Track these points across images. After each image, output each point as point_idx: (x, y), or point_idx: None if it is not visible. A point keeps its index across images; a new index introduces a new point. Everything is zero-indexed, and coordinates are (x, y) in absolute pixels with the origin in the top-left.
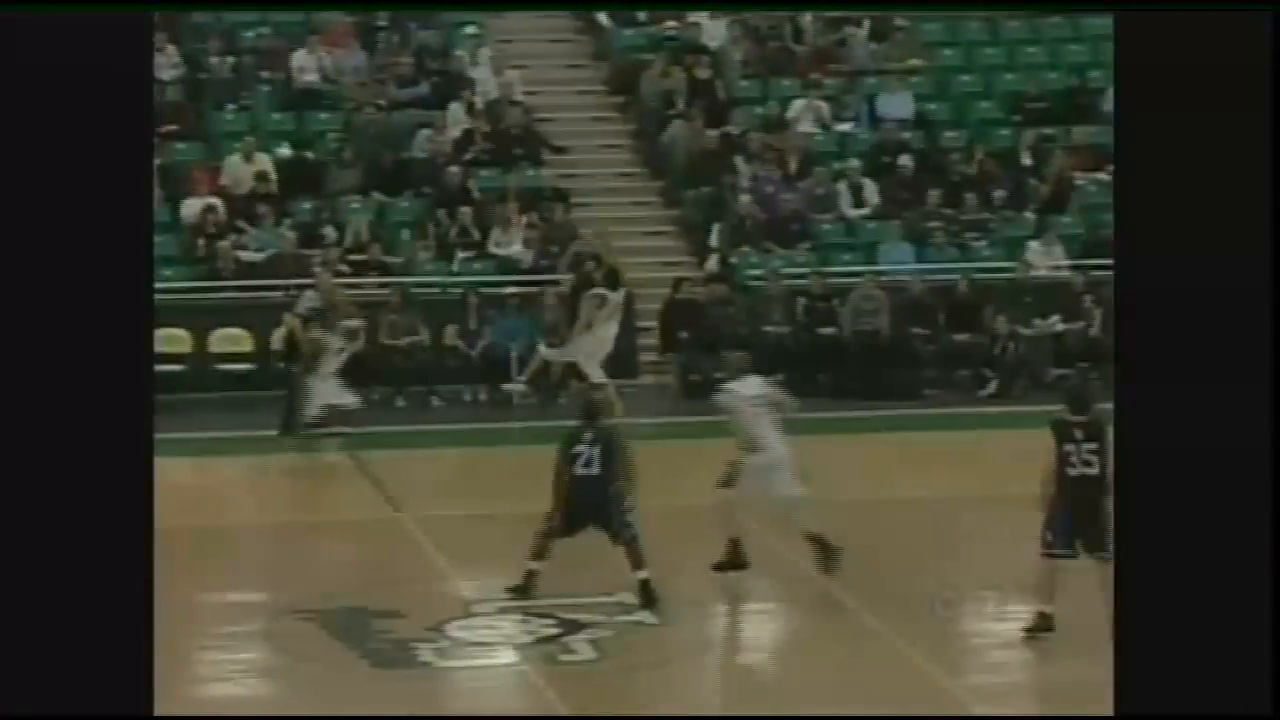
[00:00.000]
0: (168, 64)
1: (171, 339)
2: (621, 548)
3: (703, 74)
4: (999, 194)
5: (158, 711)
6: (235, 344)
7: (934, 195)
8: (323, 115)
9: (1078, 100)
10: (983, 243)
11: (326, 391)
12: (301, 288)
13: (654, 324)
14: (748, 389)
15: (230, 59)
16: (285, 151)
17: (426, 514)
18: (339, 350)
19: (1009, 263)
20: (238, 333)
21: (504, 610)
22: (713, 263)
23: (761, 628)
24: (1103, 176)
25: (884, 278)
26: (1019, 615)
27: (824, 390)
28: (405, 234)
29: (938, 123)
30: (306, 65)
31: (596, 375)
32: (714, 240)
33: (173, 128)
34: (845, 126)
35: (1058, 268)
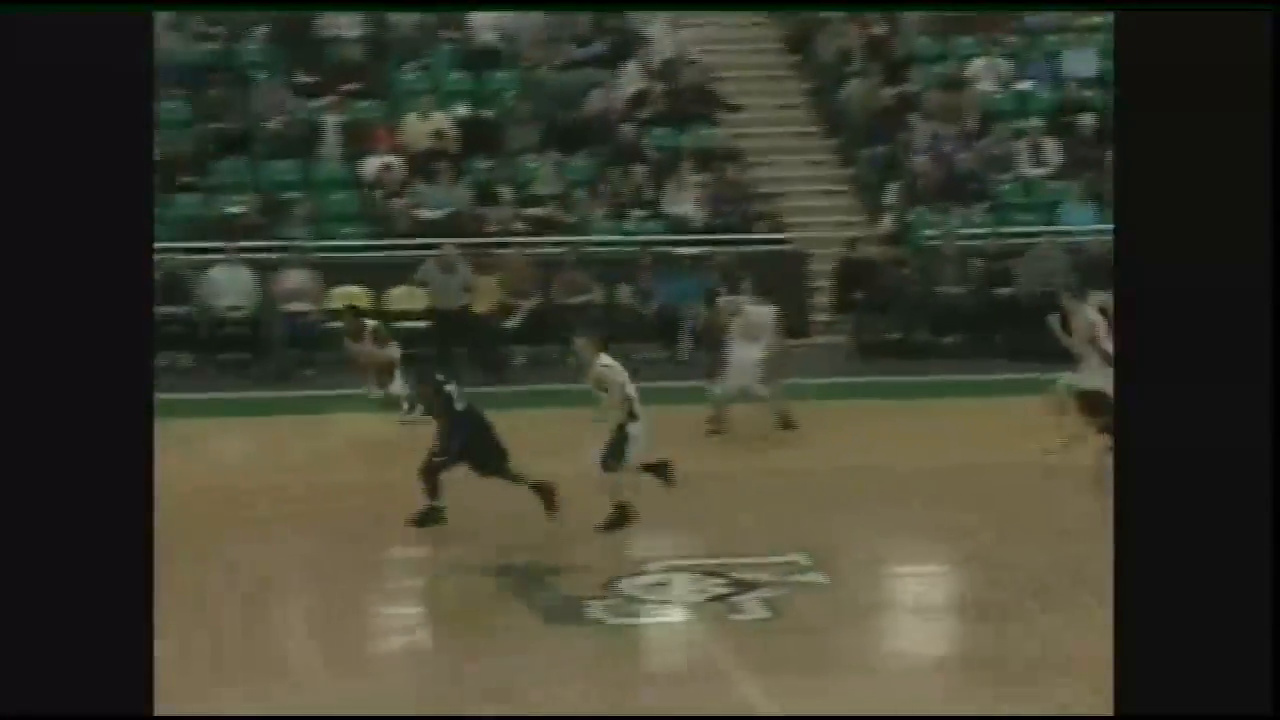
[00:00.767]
0: (351, 22)
1: (348, 296)
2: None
3: (879, 31)
4: None
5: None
6: (411, 301)
7: None
8: (500, 74)
9: None
10: None
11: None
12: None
13: (828, 283)
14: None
15: (412, 18)
16: (463, 110)
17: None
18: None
19: None
20: (414, 290)
21: (675, 569)
22: (888, 222)
23: (933, 590)
24: None
25: (1064, 238)
26: None
27: (1001, 351)
28: (580, 192)
29: None
30: (485, 24)
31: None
32: (889, 199)
33: (354, 85)
34: (1026, 85)
35: None
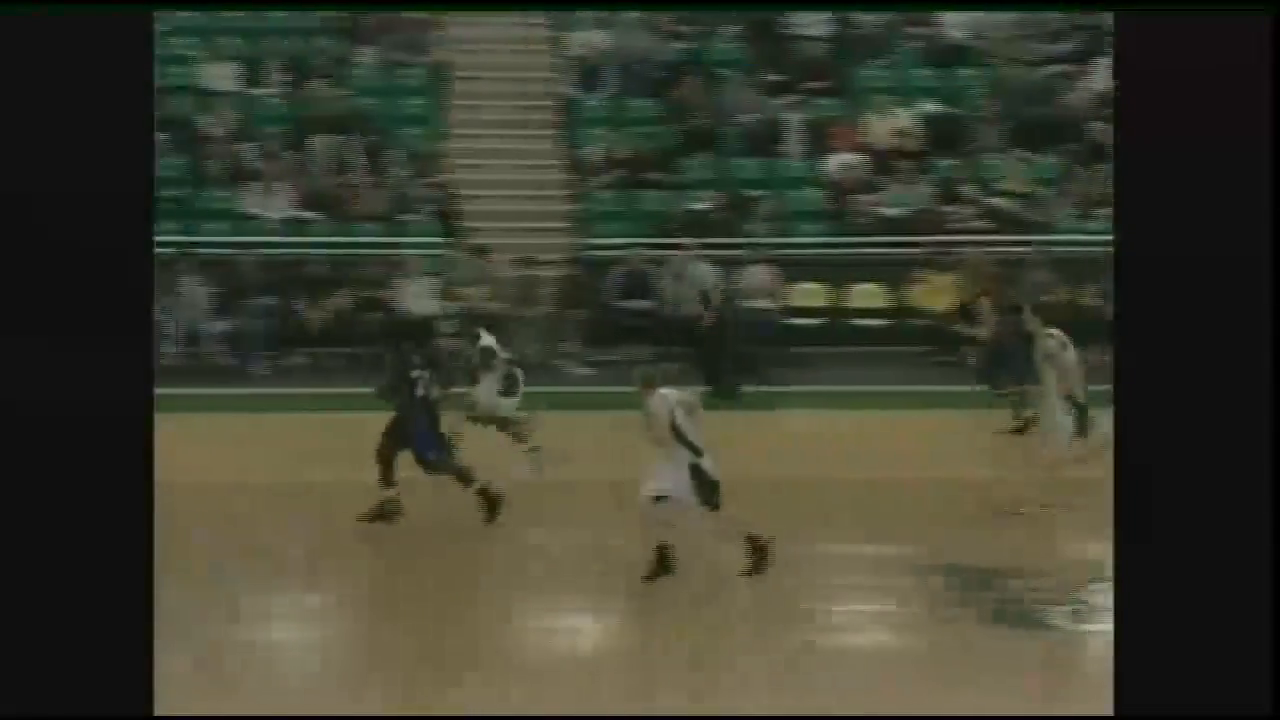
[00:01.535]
0: (817, 21)
1: (808, 293)
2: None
3: None
4: None
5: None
6: (872, 299)
7: None
8: (968, 71)
9: None
10: None
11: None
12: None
13: None
14: (675, 396)
15: (878, 16)
16: (930, 108)
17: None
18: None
19: None
20: (874, 288)
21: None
22: None
23: None
24: None
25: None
26: None
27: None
28: (1047, 191)
29: None
30: (955, 22)
31: None
32: None
33: (818, 84)
34: None
35: None
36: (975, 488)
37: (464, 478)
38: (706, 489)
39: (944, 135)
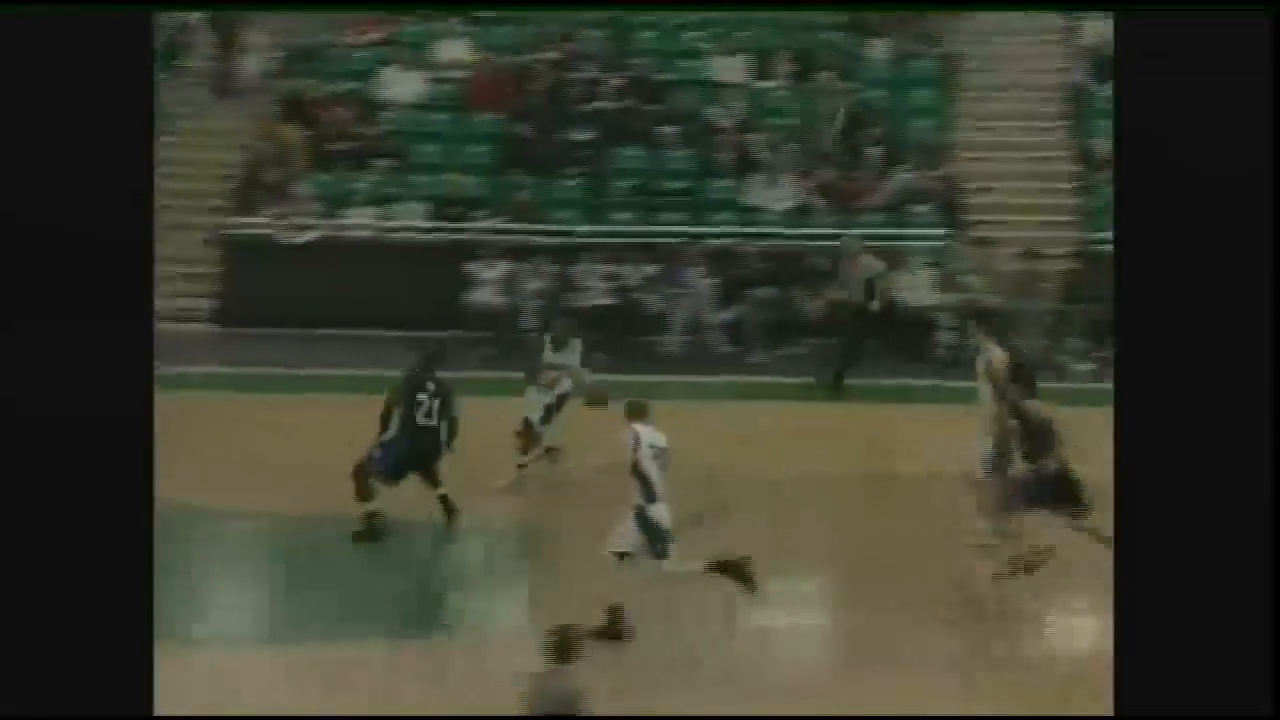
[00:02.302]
0: None
1: None
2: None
3: None
4: None
5: None
6: None
7: None
8: None
9: None
10: None
11: None
12: None
13: None
14: (651, 437)
15: None
16: None
17: None
18: None
19: None
20: None
21: None
22: None
23: None
24: None
25: None
26: None
27: None
28: None
29: None
30: None
31: None
32: None
33: None
34: None
35: None
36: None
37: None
38: (654, 536)
39: None
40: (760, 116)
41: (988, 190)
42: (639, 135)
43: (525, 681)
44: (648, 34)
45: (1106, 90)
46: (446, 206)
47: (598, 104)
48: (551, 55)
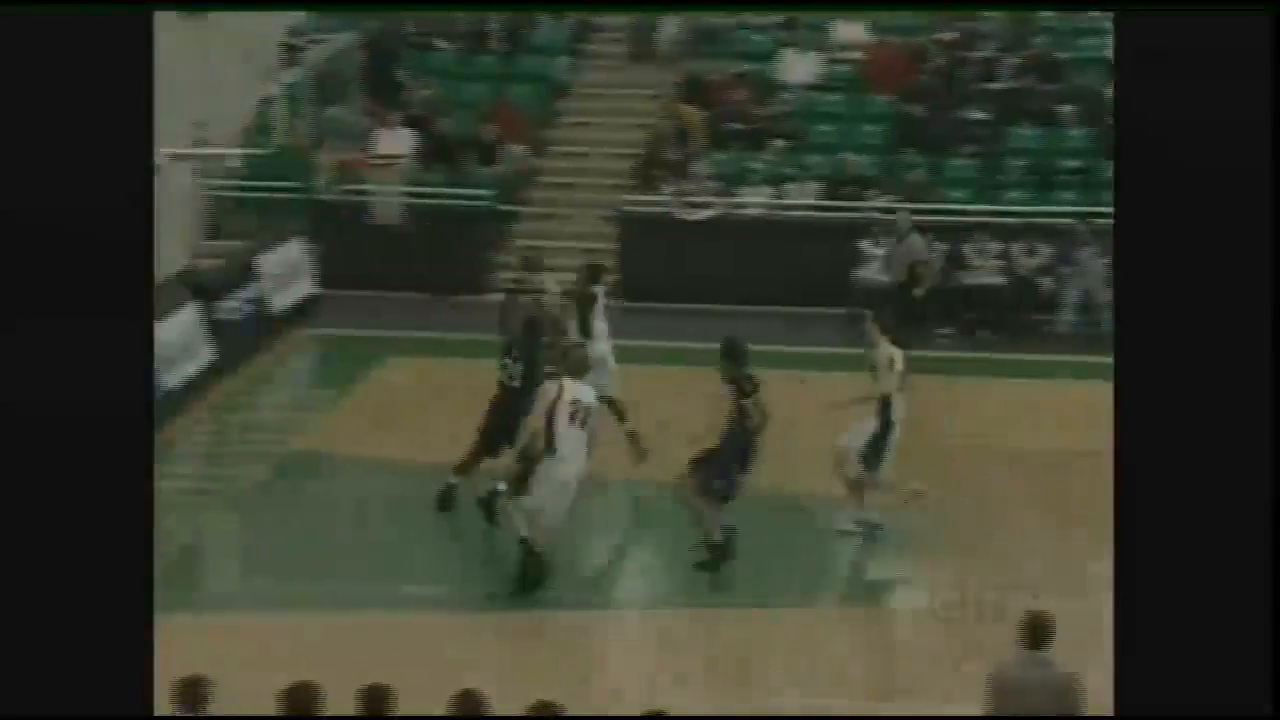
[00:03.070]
0: None
1: None
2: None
3: None
4: None
5: None
6: None
7: None
8: None
9: None
10: None
11: None
12: None
13: None
14: (578, 392)
15: None
16: None
17: None
18: None
19: None
20: None
21: None
22: None
23: None
24: None
25: None
26: None
27: None
28: None
29: None
30: None
31: None
32: None
33: None
34: None
35: None
36: None
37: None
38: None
39: None
40: None
41: None
42: (1036, 114)
43: (994, 668)
44: (1047, 12)
45: None
46: (840, 185)
47: (993, 83)
48: (947, 35)
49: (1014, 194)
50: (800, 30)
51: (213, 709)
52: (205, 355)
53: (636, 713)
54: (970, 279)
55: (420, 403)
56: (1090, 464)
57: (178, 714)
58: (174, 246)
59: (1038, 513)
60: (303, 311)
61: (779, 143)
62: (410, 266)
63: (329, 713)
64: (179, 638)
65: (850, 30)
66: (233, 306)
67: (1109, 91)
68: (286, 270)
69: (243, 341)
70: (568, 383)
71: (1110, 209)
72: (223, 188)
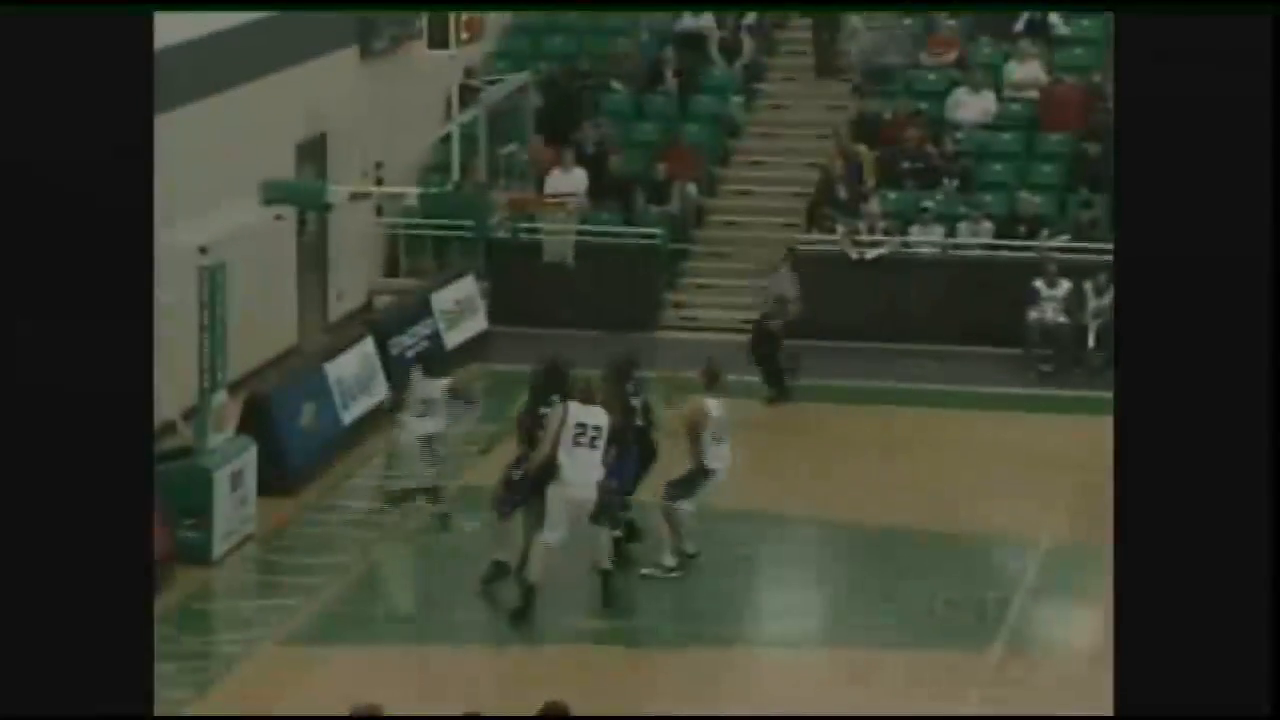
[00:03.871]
0: None
1: None
2: None
3: None
4: None
5: None
6: None
7: None
8: None
9: None
10: None
11: None
12: None
13: None
14: (584, 415)
15: None
16: None
17: None
18: None
19: None
20: None
21: None
22: None
23: None
24: None
25: None
26: None
27: None
28: None
29: None
30: None
31: None
32: None
33: None
34: None
35: None
36: None
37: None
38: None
39: None
40: None
41: None
42: None
43: None
44: None
45: None
46: (1012, 224)
47: None
48: None
49: None
50: (974, 70)
51: None
52: (381, 390)
53: None
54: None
55: None
56: None
57: None
58: (351, 283)
59: None
60: (476, 348)
61: (951, 182)
62: (581, 303)
63: None
64: (352, 669)
65: (1025, 69)
66: (408, 343)
67: None
68: (460, 307)
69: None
70: (573, 406)
71: None
72: (399, 226)
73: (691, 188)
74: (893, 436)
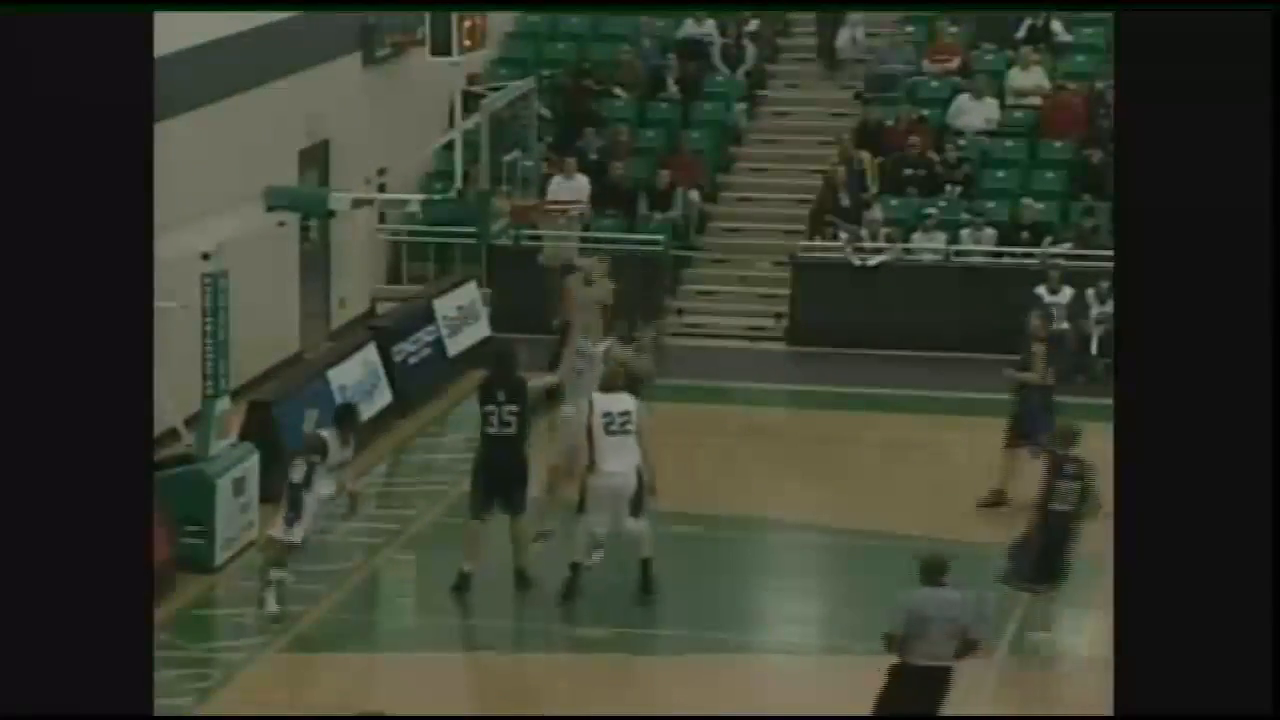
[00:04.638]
0: None
1: None
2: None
3: None
4: None
5: None
6: None
7: None
8: None
9: None
10: None
11: None
12: None
13: None
14: (607, 404)
15: None
16: None
17: None
18: None
19: None
20: None
21: None
22: None
23: None
24: None
25: None
26: None
27: None
28: None
29: None
30: None
31: None
32: None
33: None
34: None
35: None
36: None
37: None
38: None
39: None
40: None
41: None
42: None
43: None
44: None
45: None
46: (1015, 231)
47: None
48: None
49: None
50: (977, 77)
51: None
52: (384, 397)
53: None
54: None
55: None
56: None
57: None
58: (354, 290)
59: None
60: (478, 354)
61: (953, 189)
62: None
63: None
64: (356, 675)
65: (1028, 76)
66: (410, 349)
67: None
68: (463, 313)
69: (420, 383)
70: (598, 397)
71: None
72: (401, 232)
73: (694, 194)
74: (895, 443)
